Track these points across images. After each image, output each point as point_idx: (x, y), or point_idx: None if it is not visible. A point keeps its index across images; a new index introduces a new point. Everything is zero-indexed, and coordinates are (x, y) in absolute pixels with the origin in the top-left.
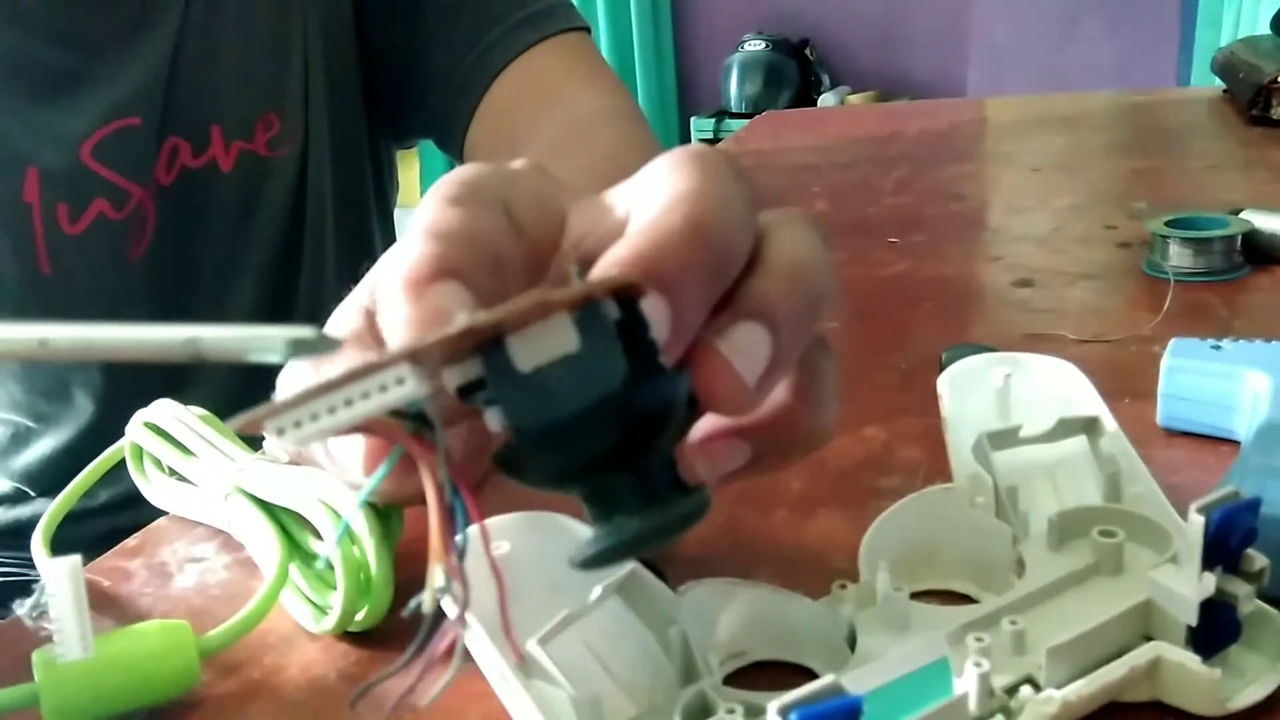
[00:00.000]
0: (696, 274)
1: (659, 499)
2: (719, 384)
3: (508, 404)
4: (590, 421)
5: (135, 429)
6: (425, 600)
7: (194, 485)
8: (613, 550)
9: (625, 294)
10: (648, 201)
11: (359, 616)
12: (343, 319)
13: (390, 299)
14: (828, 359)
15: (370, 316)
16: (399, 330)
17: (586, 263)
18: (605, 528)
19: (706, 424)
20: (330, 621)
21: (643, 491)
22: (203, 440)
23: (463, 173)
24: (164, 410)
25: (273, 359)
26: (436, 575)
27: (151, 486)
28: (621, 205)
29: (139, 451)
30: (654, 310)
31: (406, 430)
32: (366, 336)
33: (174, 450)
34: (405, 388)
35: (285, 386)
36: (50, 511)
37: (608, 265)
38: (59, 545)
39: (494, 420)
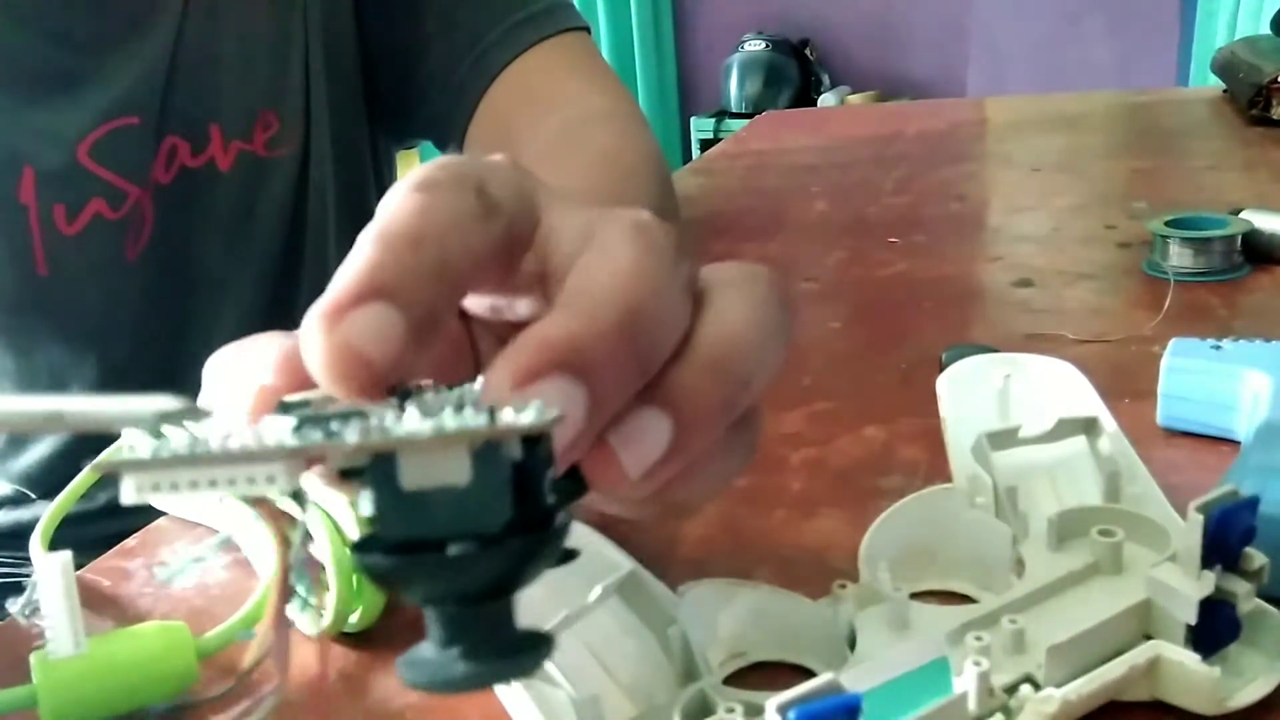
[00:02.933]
0: (622, 368)
1: (499, 647)
2: (599, 473)
3: (380, 510)
4: (457, 559)
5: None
6: (247, 661)
7: None
8: (436, 687)
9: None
10: (584, 274)
11: (353, 619)
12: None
13: (307, 328)
14: (745, 441)
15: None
16: (314, 367)
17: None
18: (437, 656)
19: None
20: (324, 624)
21: (486, 634)
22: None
23: (435, 160)
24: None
25: (139, 429)
26: (263, 642)
27: None
28: (581, 236)
29: None
30: (572, 399)
31: (271, 501)
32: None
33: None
34: (274, 485)
35: (214, 368)
36: (49, 513)
37: (530, 345)
38: (59, 547)
39: (365, 509)
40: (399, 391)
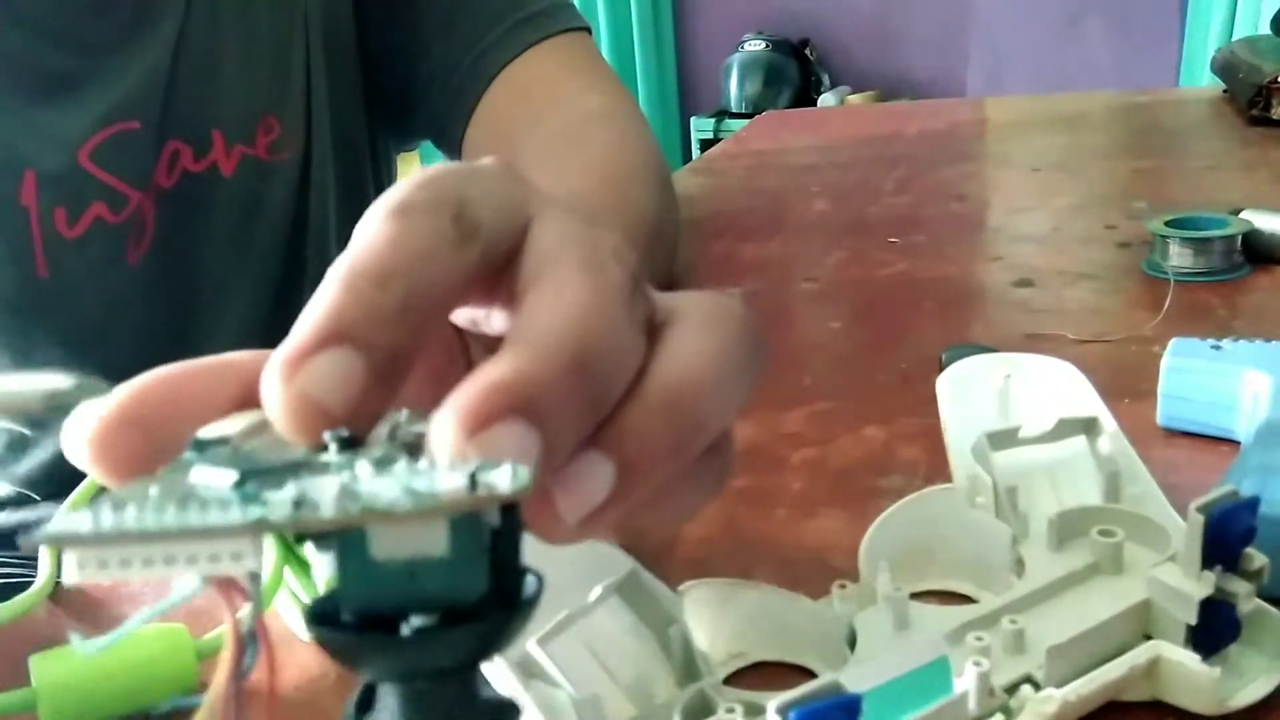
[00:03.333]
0: (574, 409)
1: (471, 717)
2: (535, 519)
3: (347, 580)
4: (428, 631)
5: None
6: None
7: None
8: None
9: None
10: (535, 311)
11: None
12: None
13: (267, 375)
14: (714, 470)
15: None
16: (273, 415)
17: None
18: None
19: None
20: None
21: (454, 705)
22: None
23: (421, 173)
24: None
25: (31, 413)
26: (212, 709)
27: None
28: (549, 256)
29: None
30: (526, 443)
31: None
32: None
33: None
34: (239, 564)
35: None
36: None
37: (480, 389)
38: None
39: (323, 572)
40: (335, 437)
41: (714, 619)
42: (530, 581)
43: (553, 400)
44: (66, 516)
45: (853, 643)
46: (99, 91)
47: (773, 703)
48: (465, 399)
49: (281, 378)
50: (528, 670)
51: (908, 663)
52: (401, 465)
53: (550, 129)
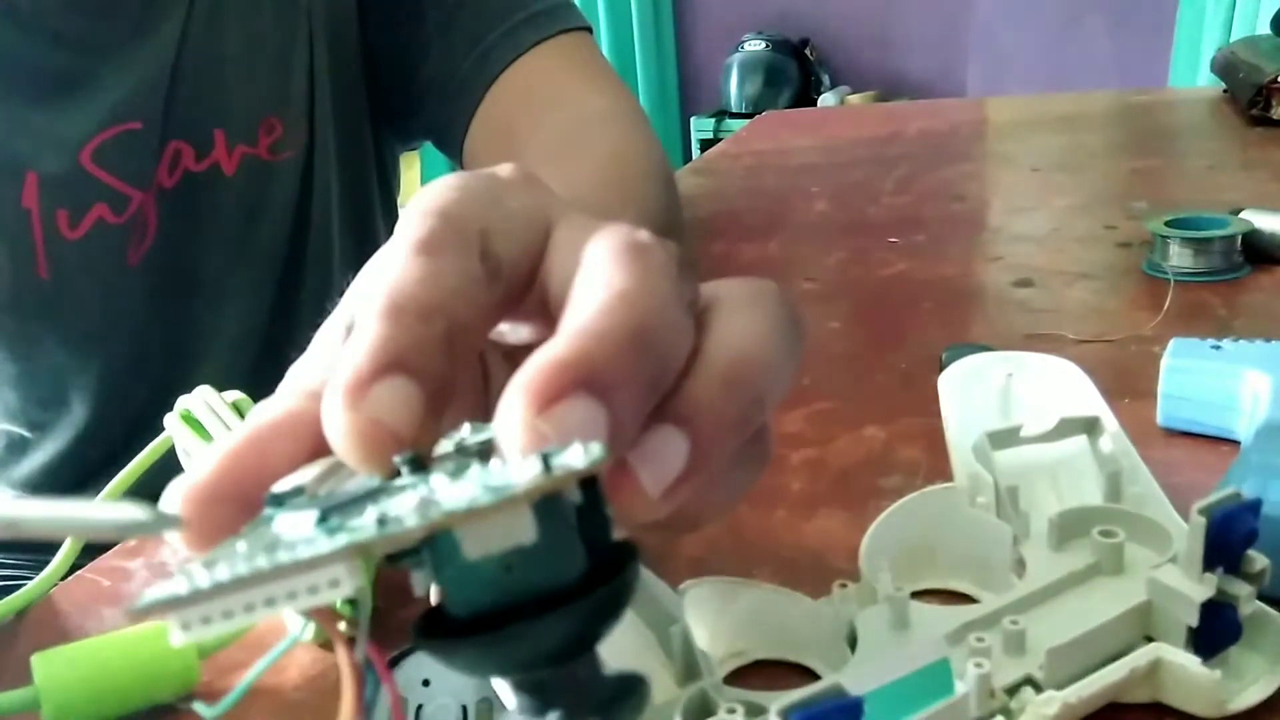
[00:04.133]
0: (638, 383)
1: (596, 697)
2: (619, 494)
3: (449, 587)
4: (538, 617)
5: (172, 421)
6: None
7: None
8: None
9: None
10: (587, 293)
11: (341, 626)
12: (322, 345)
13: (329, 405)
14: (759, 453)
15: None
16: (339, 445)
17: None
18: None
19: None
20: (310, 632)
21: (579, 691)
22: (226, 431)
23: (442, 197)
24: (199, 398)
25: (105, 539)
26: None
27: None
28: (581, 253)
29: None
30: (595, 419)
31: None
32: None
33: (201, 440)
34: (339, 590)
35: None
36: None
37: (545, 367)
38: (94, 549)
39: (421, 586)
40: (405, 460)
41: (714, 618)
42: (628, 551)
43: (615, 375)
44: (162, 583)
45: (853, 642)
46: (101, 92)
47: (775, 705)
48: (531, 378)
49: (347, 406)
50: None
51: (909, 664)
52: (474, 469)
53: (554, 129)
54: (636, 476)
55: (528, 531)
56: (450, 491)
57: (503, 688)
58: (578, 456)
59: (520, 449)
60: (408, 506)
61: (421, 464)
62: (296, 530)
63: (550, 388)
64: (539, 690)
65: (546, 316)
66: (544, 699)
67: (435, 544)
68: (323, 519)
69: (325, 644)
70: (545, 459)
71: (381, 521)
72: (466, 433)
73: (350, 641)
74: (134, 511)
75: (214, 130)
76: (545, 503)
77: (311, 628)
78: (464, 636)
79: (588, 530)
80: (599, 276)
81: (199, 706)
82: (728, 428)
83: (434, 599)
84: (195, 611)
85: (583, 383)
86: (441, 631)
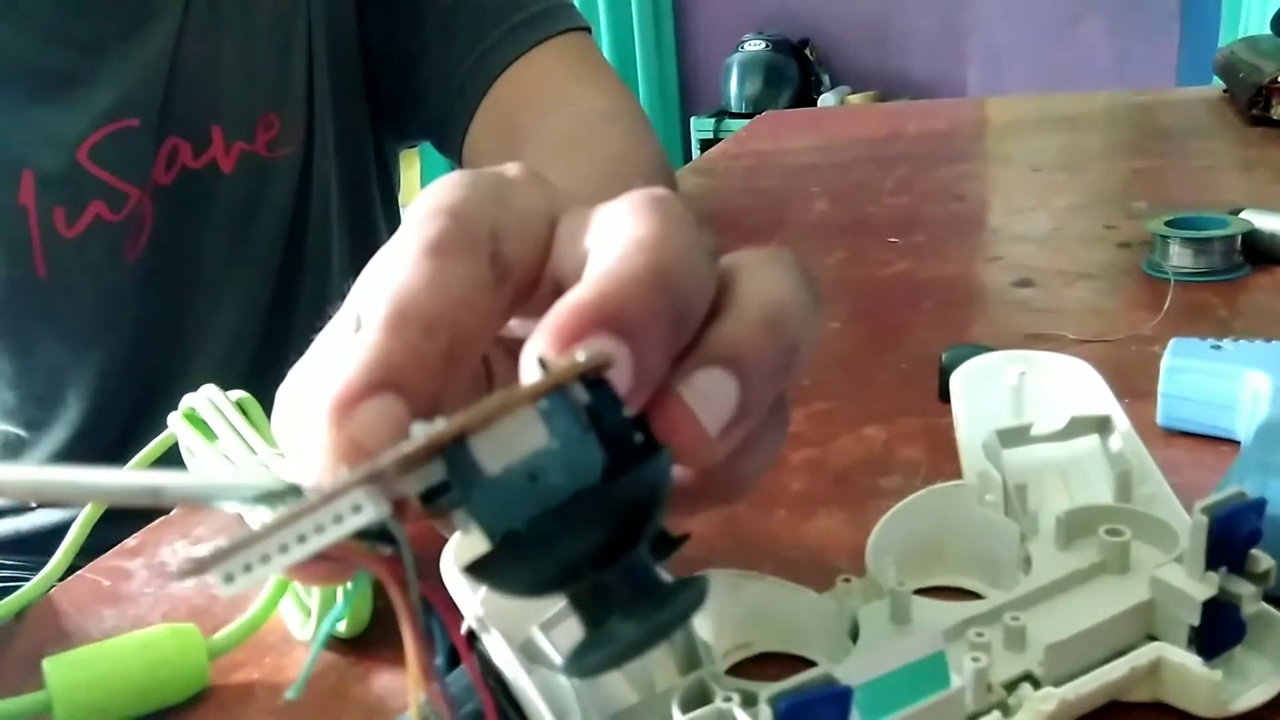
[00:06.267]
0: (659, 321)
1: (653, 595)
2: (680, 432)
3: (477, 509)
4: (571, 519)
5: (174, 419)
6: None
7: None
8: (612, 659)
9: (592, 374)
10: (606, 245)
11: (340, 626)
12: (327, 342)
13: (314, 414)
14: (783, 419)
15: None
16: (317, 458)
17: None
18: (599, 632)
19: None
20: (308, 631)
21: (635, 589)
22: (230, 429)
23: (451, 195)
24: (203, 397)
25: (238, 507)
26: (419, 701)
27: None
28: (590, 228)
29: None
30: (617, 357)
31: (368, 550)
32: None
33: (204, 439)
34: (362, 515)
35: (282, 408)
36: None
37: (565, 310)
38: (92, 550)
39: (463, 524)
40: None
41: (720, 610)
42: (652, 447)
43: (638, 315)
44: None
45: (856, 636)
46: (98, 90)
47: (764, 692)
48: (552, 321)
49: (331, 421)
50: (530, 655)
51: (903, 656)
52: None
53: (554, 129)
54: (695, 417)
55: (539, 434)
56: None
57: (564, 613)
58: (576, 357)
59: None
60: (416, 435)
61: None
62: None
63: (572, 328)
64: (593, 600)
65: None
66: (599, 608)
67: (457, 468)
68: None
69: (325, 643)
70: (541, 362)
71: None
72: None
73: (400, 581)
74: (269, 481)
75: (212, 127)
76: (552, 404)
77: (366, 576)
78: (507, 559)
79: (604, 429)
80: (618, 227)
81: (290, 693)
82: (770, 370)
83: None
84: (236, 561)
85: (604, 322)
86: (486, 566)
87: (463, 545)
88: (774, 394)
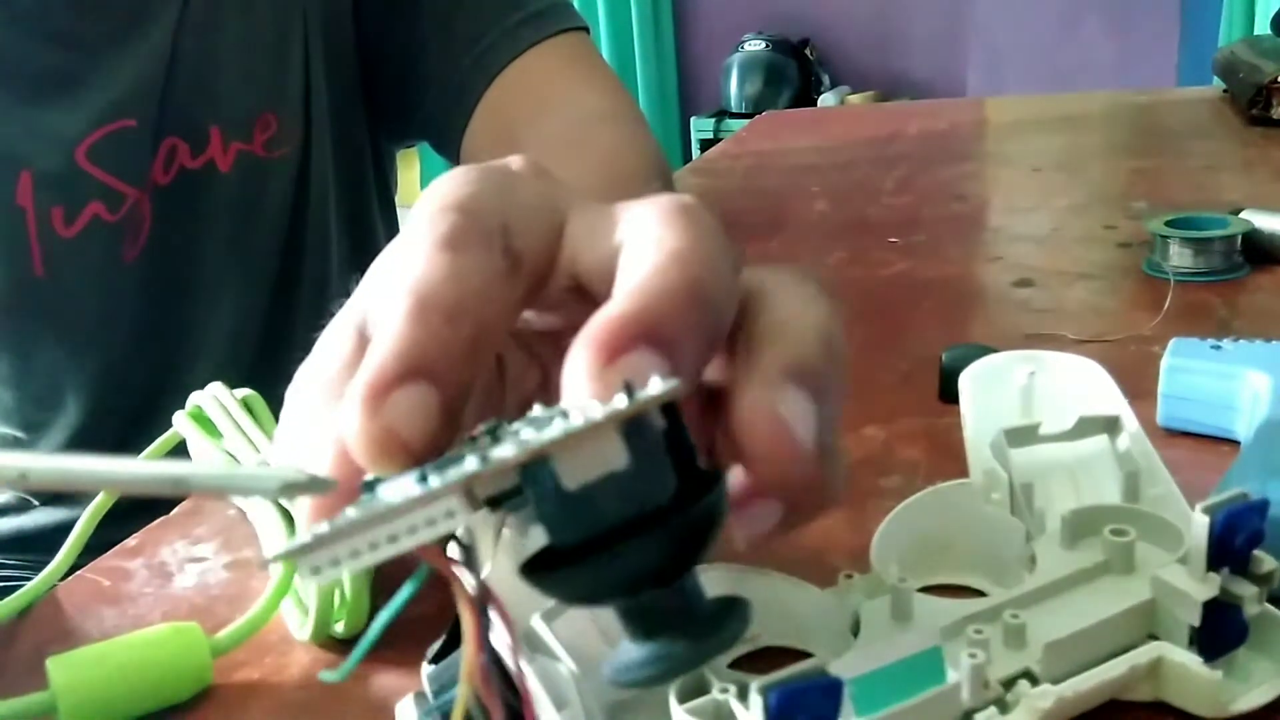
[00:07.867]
0: (696, 335)
1: (702, 617)
2: (782, 450)
3: (550, 521)
4: (640, 538)
5: (179, 418)
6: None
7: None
8: (660, 676)
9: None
10: (639, 254)
11: (338, 627)
12: (334, 339)
13: (349, 406)
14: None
15: (362, 338)
16: (352, 443)
17: (578, 288)
18: (649, 649)
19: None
20: (306, 631)
21: (686, 610)
22: (235, 428)
23: (459, 191)
24: (209, 395)
25: (262, 498)
26: (467, 696)
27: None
28: (616, 229)
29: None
30: (656, 366)
31: (443, 551)
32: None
33: (208, 437)
34: (454, 520)
35: (285, 427)
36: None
37: (606, 323)
38: (95, 549)
39: (522, 527)
40: (487, 430)
41: None
42: (715, 474)
43: (675, 329)
44: (288, 538)
45: (858, 632)
46: (96, 90)
47: (756, 683)
48: (595, 334)
49: (365, 411)
50: (531, 644)
51: (899, 651)
52: (556, 420)
53: (552, 129)
54: (793, 433)
55: (620, 457)
56: (540, 434)
57: (610, 622)
58: (656, 384)
59: (590, 397)
60: (506, 446)
61: (492, 430)
62: (402, 491)
63: (615, 341)
64: (645, 614)
65: (570, 303)
66: (650, 623)
67: (535, 479)
68: (422, 478)
69: (324, 643)
70: (628, 390)
71: (484, 459)
72: (537, 410)
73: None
74: (291, 474)
75: (209, 127)
76: (633, 428)
77: (425, 570)
78: (571, 566)
79: (676, 453)
80: (651, 237)
81: (325, 675)
82: (835, 388)
83: (511, 553)
84: (324, 554)
85: (645, 336)
86: (547, 567)
87: (507, 545)
88: (839, 409)
